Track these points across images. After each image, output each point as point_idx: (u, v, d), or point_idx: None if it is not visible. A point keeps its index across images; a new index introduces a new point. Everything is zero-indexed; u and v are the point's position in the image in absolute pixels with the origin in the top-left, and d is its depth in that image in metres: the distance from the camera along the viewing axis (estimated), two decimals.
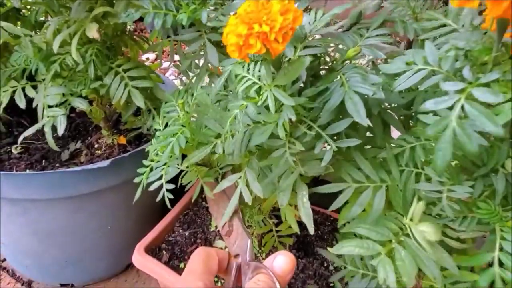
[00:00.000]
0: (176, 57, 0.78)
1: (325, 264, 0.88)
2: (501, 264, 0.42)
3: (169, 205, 0.63)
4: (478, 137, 0.31)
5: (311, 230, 0.53)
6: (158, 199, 0.62)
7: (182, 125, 0.62)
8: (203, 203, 1.01)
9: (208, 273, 0.41)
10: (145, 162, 0.66)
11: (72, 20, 0.76)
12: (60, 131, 0.80)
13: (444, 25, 0.47)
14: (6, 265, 1.22)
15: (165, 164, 0.61)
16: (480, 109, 0.33)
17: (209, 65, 0.72)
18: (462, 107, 0.33)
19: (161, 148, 0.59)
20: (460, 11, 0.47)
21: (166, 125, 0.68)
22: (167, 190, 0.63)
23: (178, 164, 0.60)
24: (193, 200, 0.72)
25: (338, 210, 0.74)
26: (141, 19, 0.70)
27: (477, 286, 0.42)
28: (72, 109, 1.04)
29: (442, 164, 0.34)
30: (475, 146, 0.31)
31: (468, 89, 0.35)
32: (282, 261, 0.42)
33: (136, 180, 0.66)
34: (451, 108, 0.33)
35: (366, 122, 0.42)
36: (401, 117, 0.57)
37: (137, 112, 1.02)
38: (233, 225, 0.49)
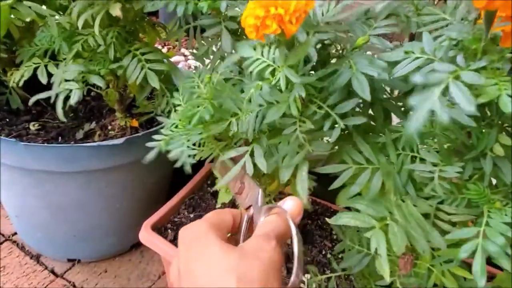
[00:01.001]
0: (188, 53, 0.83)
1: (323, 252, 0.92)
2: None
3: (189, 170, 0.64)
4: (462, 115, 0.35)
5: (305, 200, 0.55)
6: (178, 164, 0.63)
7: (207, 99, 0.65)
8: (208, 188, 1.05)
9: (219, 219, 0.42)
10: (163, 131, 0.68)
11: (96, 3, 0.80)
12: (73, 100, 0.84)
13: (442, 19, 0.51)
14: (16, 239, 1.26)
15: (188, 133, 0.63)
16: (461, 88, 0.36)
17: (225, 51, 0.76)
18: (447, 86, 0.36)
19: (185, 119, 0.62)
20: (457, 6, 0.51)
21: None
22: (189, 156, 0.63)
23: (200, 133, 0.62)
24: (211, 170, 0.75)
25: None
26: (154, 13, 0.74)
27: (458, 256, 0.44)
28: (88, 93, 1.08)
29: (414, 128, 0.36)
30: (446, 118, 0.34)
31: (458, 72, 0.38)
32: (291, 204, 0.43)
33: (152, 144, 0.67)
34: (438, 84, 0.37)
35: (369, 98, 0.46)
36: (402, 108, 0.61)
37: (150, 97, 1.06)
38: (244, 182, 0.51)
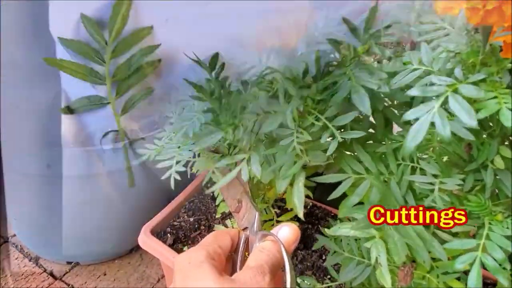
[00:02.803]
0: None
1: (323, 257, 0.92)
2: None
3: (172, 186, 0.63)
4: (460, 128, 0.35)
5: (300, 213, 0.55)
6: (163, 177, 0.62)
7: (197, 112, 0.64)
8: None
9: (216, 246, 0.42)
10: (157, 141, 0.67)
11: None
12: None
13: (442, 28, 0.51)
14: (15, 240, 1.26)
15: (178, 147, 0.63)
16: (460, 101, 0.36)
17: None
18: (447, 99, 0.36)
19: (175, 131, 0.62)
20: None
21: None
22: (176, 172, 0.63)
23: (191, 150, 0.62)
24: (204, 184, 0.75)
25: (338, 207, 0.77)
26: None
27: (453, 267, 0.43)
28: None
29: (411, 146, 0.36)
30: (448, 133, 0.34)
31: (456, 85, 0.38)
32: (287, 232, 0.43)
33: (141, 151, 0.67)
34: (437, 97, 0.36)
35: (369, 112, 0.45)
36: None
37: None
38: (242, 201, 0.51)
